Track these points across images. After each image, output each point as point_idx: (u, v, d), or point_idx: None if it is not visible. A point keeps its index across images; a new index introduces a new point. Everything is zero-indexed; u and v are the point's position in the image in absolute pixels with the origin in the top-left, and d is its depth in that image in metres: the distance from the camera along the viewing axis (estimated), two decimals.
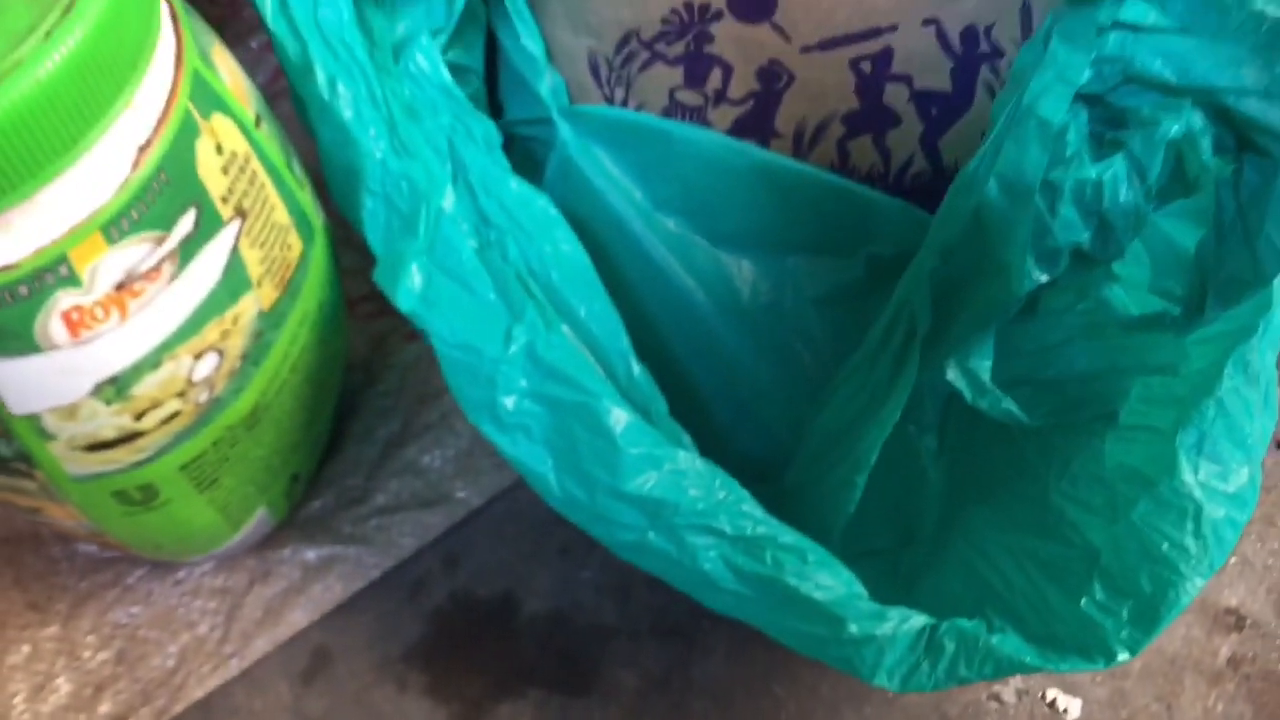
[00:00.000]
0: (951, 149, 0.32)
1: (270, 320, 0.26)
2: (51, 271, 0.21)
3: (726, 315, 0.31)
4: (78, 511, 0.27)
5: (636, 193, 0.31)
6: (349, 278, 0.32)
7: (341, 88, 0.26)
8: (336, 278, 0.30)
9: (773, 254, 0.31)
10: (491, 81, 0.34)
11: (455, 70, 0.31)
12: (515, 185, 0.29)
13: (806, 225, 0.31)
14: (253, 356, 0.26)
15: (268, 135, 0.25)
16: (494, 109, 0.34)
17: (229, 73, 0.25)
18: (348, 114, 0.26)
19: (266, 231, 0.25)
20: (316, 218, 0.28)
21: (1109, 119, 0.25)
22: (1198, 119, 0.24)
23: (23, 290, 0.21)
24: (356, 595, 0.34)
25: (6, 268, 0.21)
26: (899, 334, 0.27)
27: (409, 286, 0.25)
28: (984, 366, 0.27)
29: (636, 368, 0.27)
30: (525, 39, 0.31)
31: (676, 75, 0.30)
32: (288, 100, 0.28)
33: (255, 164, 0.24)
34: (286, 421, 0.29)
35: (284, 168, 0.26)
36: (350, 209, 0.27)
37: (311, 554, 0.34)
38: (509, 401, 0.25)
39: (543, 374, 0.25)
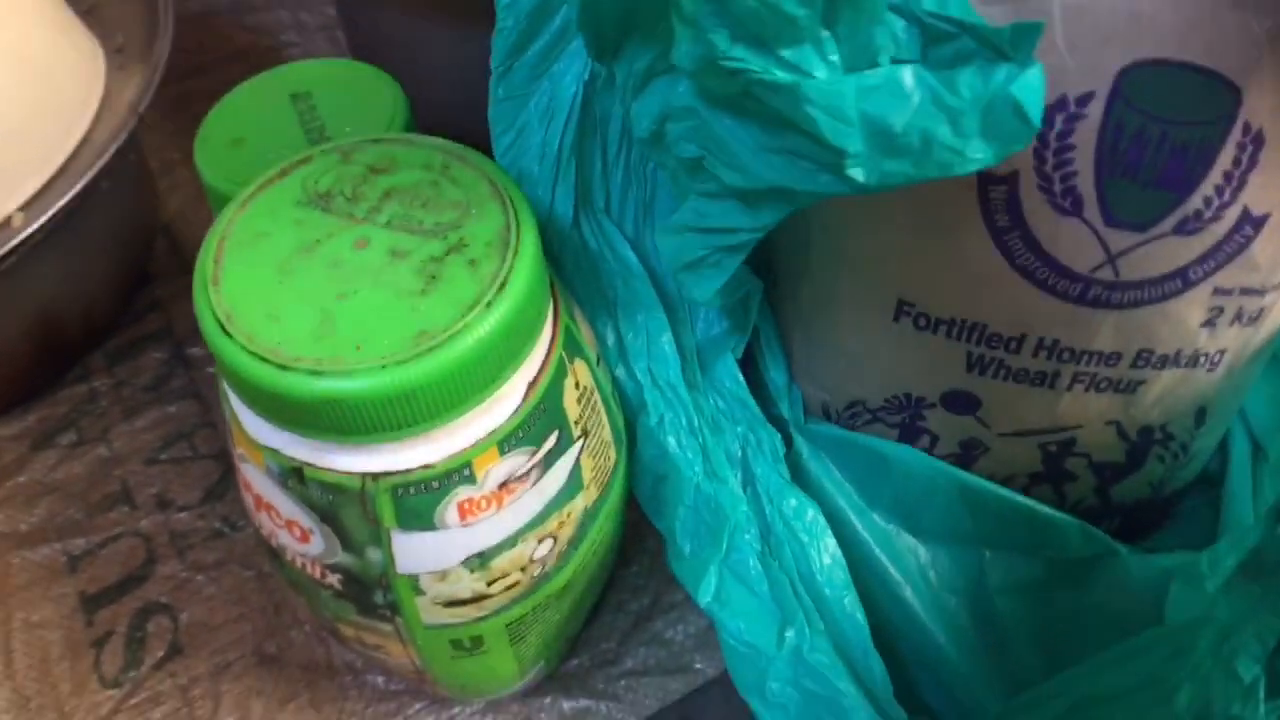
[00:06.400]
0: (1121, 493, 0.37)
1: (590, 514, 0.32)
2: (457, 472, 0.28)
3: (920, 596, 0.37)
4: (415, 652, 0.33)
5: (854, 494, 0.37)
6: None
7: (667, 423, 0.34)
8: (629, 479, 0.36)
9: (964, 548, 0.37)
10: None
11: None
12: (794, 500, 0.35)
13: (994, 528, 0.36)
14: (574, 542, 0.32)
15: (603, 372, 0.33)
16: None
17: (583, 325, 0.32)
18: (672, 444, 0.33)
19: (598, 446, 0.32)
20: (624, 433, 0.34)
21: None
22: None
23: (435, 484, 0.28)
24: None
25: (426, 466, 0.28)
26: None
27: (708, 587, 0.32)
28: None
29: (874, 662, 0.33)
30: (773, 371, 0.38)
31: (893, 434, 0.37)
32: None
33: (595, 395, 0.32)
34: (581, 593, 0.35)
35: (611, 397, 0.33)
36: (650, 505, 0.34)
37: (567, 705, 0.40)
38: (774, 686, 0.32)
39: (804, 671, 0.32)
